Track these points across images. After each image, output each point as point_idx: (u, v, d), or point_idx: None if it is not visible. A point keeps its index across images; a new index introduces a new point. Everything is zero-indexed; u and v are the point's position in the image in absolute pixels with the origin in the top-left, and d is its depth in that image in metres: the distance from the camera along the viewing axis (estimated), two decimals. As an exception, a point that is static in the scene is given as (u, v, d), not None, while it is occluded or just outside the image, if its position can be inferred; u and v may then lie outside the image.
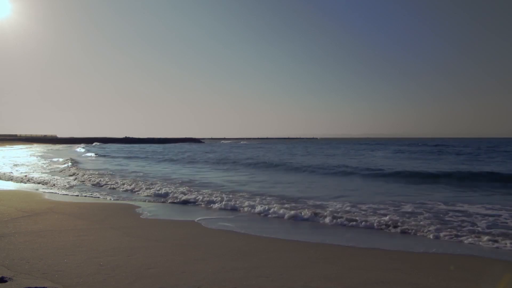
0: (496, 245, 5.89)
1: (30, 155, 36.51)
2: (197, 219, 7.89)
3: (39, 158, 32.43)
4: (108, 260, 4.76)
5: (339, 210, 8.65)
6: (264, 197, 10.61)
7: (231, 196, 10.72)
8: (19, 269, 4.30)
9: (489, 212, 8.49)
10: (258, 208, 8.83)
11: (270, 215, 8.37)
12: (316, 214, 8.13)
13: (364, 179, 16.92)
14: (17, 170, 19.20)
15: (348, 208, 8.84)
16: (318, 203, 9.71)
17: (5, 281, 3.83)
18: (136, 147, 71.62)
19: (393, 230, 6.93)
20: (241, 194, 11.36)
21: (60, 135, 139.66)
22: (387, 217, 7.61)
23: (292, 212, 8.32)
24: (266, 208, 8.75)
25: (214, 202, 9.77)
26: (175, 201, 10.32)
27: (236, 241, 6.07)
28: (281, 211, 8.46)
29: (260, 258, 5.07)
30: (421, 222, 7.30)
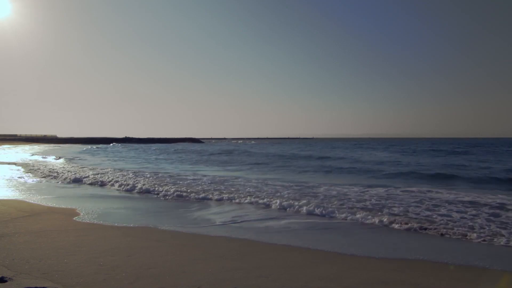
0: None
1: None
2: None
3: None
4: (108, 260, 4.76)
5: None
6: None
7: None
8: (19, 269, 4.29)
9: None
10: None
11: None
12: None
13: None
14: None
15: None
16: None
17: (5, 281, 3.83)
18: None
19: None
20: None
21: (60, 135, 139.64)
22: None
23: None
24: None
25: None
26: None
27: (236, 241, 6.07)
28: None
29: (260, 258, 5.07)
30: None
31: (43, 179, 15.30)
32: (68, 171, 18.15)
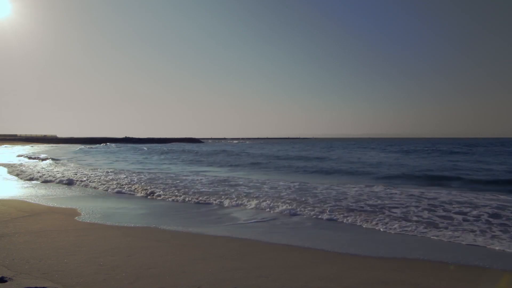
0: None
1: None
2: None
3: None
4: (108, 260, 4.76)
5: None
6: None
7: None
8: (19, 269, 4.29)
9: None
10: None
11: None
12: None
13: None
14: None
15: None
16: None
17: (5, 281, 3.83)
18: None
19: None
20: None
21: (60, 135, 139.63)
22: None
23: None
24: None
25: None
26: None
27: (236, 241, 6.07)
28: None
29: (260, 258, 5.07)
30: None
31: (29, 181, 14.80)
32: (57, 172, 17.77)
